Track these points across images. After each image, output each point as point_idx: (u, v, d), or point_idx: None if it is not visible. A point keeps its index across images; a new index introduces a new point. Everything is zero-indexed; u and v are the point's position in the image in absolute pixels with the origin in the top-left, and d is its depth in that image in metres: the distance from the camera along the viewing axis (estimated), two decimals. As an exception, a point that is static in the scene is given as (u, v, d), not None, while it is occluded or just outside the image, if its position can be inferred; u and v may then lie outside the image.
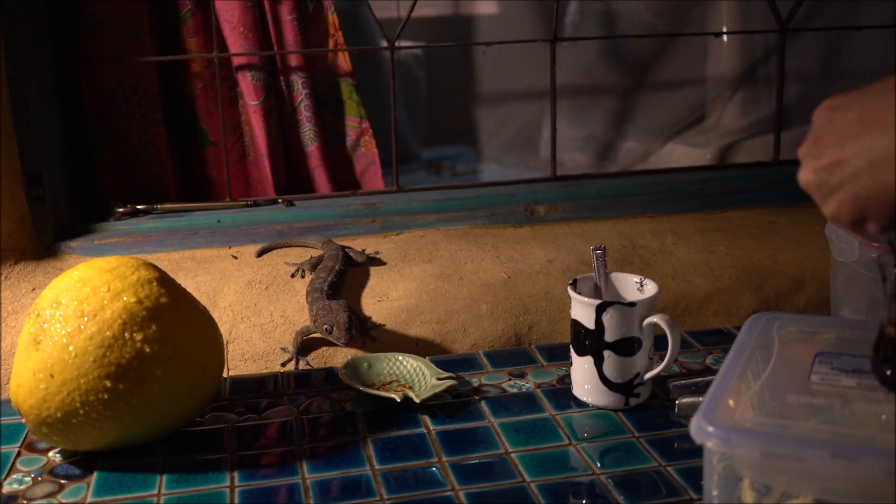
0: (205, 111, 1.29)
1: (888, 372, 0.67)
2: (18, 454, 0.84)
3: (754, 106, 1.71)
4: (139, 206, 1.22)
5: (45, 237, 1.16)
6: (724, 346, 1.07)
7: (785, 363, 0.75)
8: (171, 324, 0.81)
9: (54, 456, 0.83)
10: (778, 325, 0.82)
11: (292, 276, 1.14)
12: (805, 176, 0.63)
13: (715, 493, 0.67)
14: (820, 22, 1.66)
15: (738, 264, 1.23)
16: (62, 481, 0.79)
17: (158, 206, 1.23)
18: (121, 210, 1.22)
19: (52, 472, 0.81)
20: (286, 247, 1.22)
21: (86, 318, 0.78)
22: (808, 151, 0.63)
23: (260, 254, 1.19)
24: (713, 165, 1.54)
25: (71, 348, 0.77)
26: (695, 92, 1.77)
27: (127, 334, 0.78)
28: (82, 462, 0.82)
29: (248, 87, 1.28)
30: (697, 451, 0.81)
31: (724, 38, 1.70)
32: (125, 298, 0.79)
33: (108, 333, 0.77)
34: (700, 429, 0.64)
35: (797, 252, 1.25)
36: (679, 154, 1.67)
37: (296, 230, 1.23)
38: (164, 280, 0.84)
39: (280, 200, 1.28)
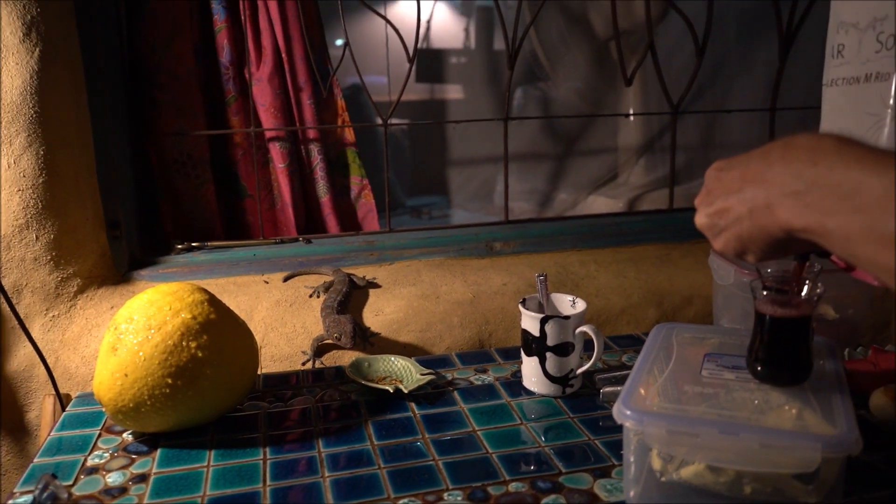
0: (244, 172, 1.27)
1: (758, 368, 0.67)
2: (99, 435, 0.81)
3: (653, 168, 1.71)
4: (193, 244, 1.19)
5: (121, 267, 1.14)
6: (636, 347, 1.06)
7: (682, 362, 0.73)
8: (218, 335, 0.78)
9: (127, 436, 0.81)
10: (676, 333, 0.81)
11: (310, 296, 1.12)
12: (700, 220, 0.63)
13: (632, 459, 0.66)
14: (701, 106, 1.68)
15: (643, 286, 1.21)
16: (133, 456, 0.76)
17: (208, 244, 1.20)
18: (179, 246, 1.19)
19: (126, 449, 0.78)
20: (306, 274, 1.19)
21: (153, 331, 0.76)
22: (701, 201, 0.62)
23: (286, 279, 1.17)
24: (624, 212, 1.52)
25: (141, 354, 0.75)
26: (609, 157, 1.76)
27: (184, 343, 0.76)
28: (149, 441, 0.79)
29: (277, 153, 1.26)
30: (617, 428, 0.80)
31: (631, 117, 1.71)
32: (183, 315, 0.77)
33: (169, 342, 0.75)
34: (620, 412, 0.63)
35: (687, 277, 1.23)
36: (599, 203, 1.66)
37: (313, 261, 1.21)
38: (213, 301, 0.82)
39: (301, 239, 1.25)
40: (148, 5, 1.14)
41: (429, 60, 2.27)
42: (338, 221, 1.32)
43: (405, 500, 0.67)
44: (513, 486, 0.69)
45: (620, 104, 1.71)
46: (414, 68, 1.25)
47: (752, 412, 0.63)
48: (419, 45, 1.24)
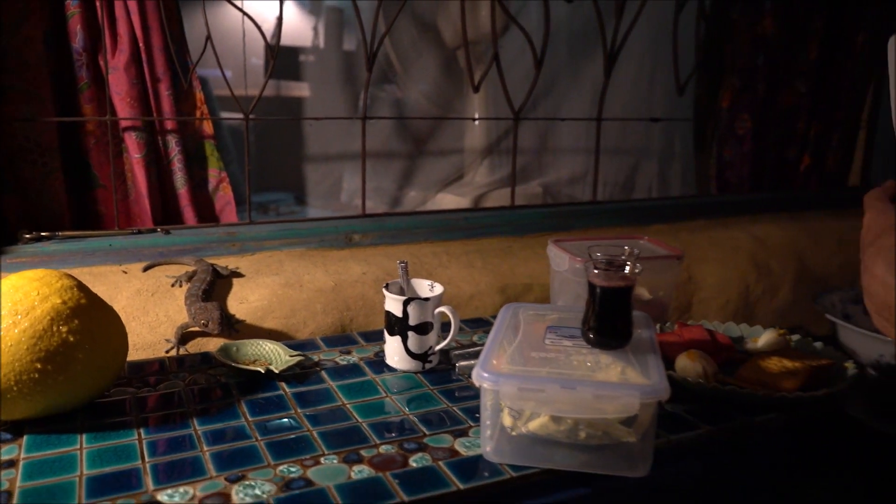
0: (96, 161, 1.23)
1: (591, 336, 0.78)
2: (-45, 426, 0.78)
3: (496, 169, 1.83)
4: (43, 234, 1.15)
5: (-39, 258, 1.07)
6: (485, 328, 1.16)
7: (527, 334, 0.84)
8: (89, 319, 0.79)
9: (-15, 426, 0.79)
10: (522, 311, 0.91)
11: (172, 285, 1.11)
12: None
13: (488, 422, 0.76)
14: (538, 114, 1.82)
15: (489, 275, 1.31)
16: (-4, 444, 0.75)
17: (59, 234, 1.16)
18: (27, 236, 1.14)
19: (-14, 438, 0.77)
20: (167, 264, 1.18)
21: (19, 316, 0.75)
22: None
23: (146, 269, 1.15)
24: (471, 208, 1.63)
25: (7, 339, 0.73)
26: (457, 158, 1.84)
27: (55, 327, 0.75)
28: (12, 429, 0.78)
29: (132, 143, 1.23)
30: (472, 396, 0.90)
31: (476, 121, 1.82)
32: (53, 300, 0.77)
33: (39, 327, 0.75)
34: (479, 376, 0.72)
35: (527, 266, 1.35)
36: (447, 200, 1.75)
37: (173, 252, 1.20)
38: (81, 286, 0.81)
39: (159, 230, 1.24)
40: (-8, -16, 1.09)
41: (279, 57, 2.27)
42: (195, 213, 1.31)
43: (285, 466, 0.72)
44: (383, 449, 0.76)
45: (466, 109, 1.82)
46: (262, 64, 1.27)
47: (586, 371, 0.75)
48: (270, 42, 1.27)
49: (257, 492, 0.68)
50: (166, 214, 1.32)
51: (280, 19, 1.27)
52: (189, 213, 1.32)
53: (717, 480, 0.82)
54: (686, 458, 0.79)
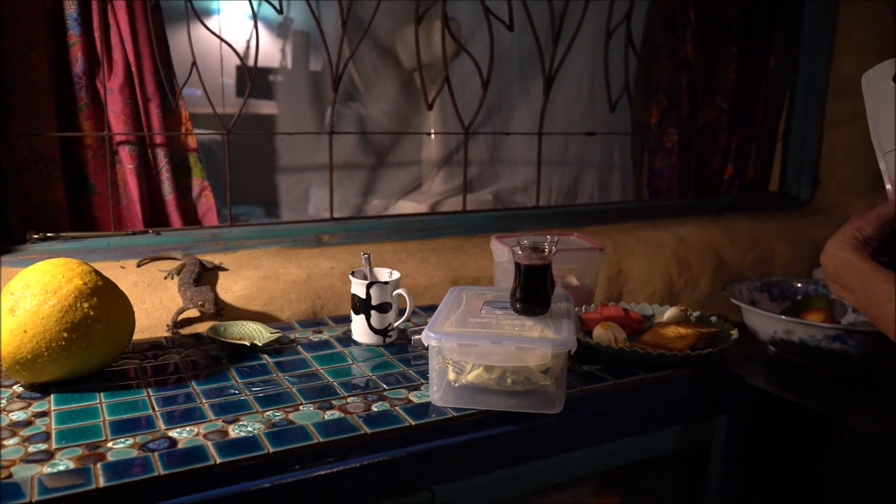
0: (93, 171, 1.37)
1: (517, 305, 0.97)
2: (-8, 388, 0.93)
3: (451, 178, 2.02)
4: (48, 234, 1.30)
5: (-23, 255, 1.21)
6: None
7: (468, 307, 1.02)
8: (106, 297, 0.94)
9: (17, 388, 0.94)
10: (465, 291, 1.09)
11: (165, 278, 1.26)
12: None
13: (435, 379, 0.93)
14: (491, 127, 2.01)
15: (443, 269, 1.48)
16: (29, 401, 0.90)
17: (63, 234, 1.31)
18: (35, 236, 1.28)
19: (20, 396, 0.91)
20: (159, 259, 1.32)
21: (48, 294, 0.90)
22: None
23: (140, 264, 1.30)
24: (427, 212, 1.79)
25: (39, 313, 0.89)
26: (415, 169, 2.02)
27: (78, 304, 0.91)
28: (39, 389, 0.93)
29: (126, 155, 1.38)
30: (423, 363, 1.07)
31: (432, 136, 2.01)
32: (76, 282, 0.92)
33: (66, 303, 0.90)
34: (427, 336, 0.89)
35: (476, 262, 1.53)
36: (407, 207, 1.91)
37: (164, 249, 1.35)
38: (97, 272, 0.97)
39: (150, 231, 1.39)
40: (4, 19, 1.24)
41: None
42: (181, 217, 1.46)
43: (270, 412, 0.89)
44: (350, 399, 0.94)
45: (423, 125, 2.01)
46: (234, 83, 1.43)
47: (513, 332, 0.93)
48: (242, 62, 1.44)
49: (249, 429, 0.84)
50: (155, 218, 1.47)
51: (257, 45, 1.44)
52: (175, 217, 1.47)
53: (618, 421, 1.01)
54: (594, 404, 0.98)
